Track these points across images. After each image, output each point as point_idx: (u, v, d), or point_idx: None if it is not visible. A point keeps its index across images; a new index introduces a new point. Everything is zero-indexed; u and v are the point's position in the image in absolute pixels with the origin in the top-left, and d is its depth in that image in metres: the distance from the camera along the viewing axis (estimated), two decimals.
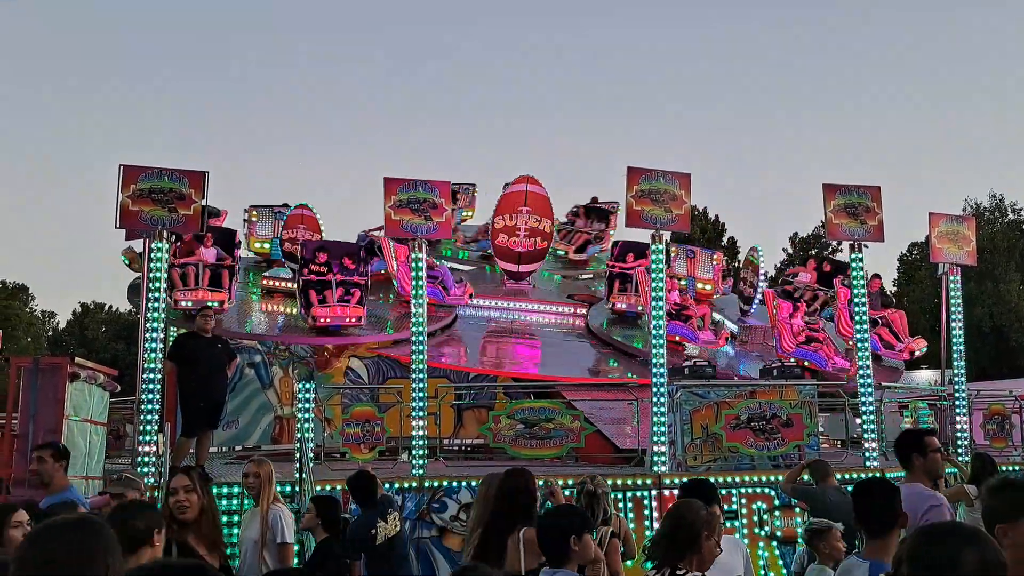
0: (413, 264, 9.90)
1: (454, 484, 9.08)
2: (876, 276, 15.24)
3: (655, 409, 9.58)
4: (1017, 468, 11.04)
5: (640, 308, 14.59)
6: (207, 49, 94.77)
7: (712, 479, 9.13)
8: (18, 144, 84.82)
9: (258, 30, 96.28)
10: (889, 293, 16.67)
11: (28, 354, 34.44)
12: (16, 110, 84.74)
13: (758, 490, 9.54)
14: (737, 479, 9.57)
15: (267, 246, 15.81)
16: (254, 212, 15.92)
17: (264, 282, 14.86)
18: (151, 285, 8.83)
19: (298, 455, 8.79)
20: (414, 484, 8.92)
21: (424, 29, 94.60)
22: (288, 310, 14.26)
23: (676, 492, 5.37)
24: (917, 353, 14.94)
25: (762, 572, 9.08)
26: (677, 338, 13.49)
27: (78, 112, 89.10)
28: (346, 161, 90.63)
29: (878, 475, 7.62)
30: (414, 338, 9.67)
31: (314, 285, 13.17)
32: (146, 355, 8.67)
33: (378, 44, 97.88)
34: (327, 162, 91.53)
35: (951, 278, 11.57)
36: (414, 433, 9.34)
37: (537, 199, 15.62)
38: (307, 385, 9.44)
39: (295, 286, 13.73)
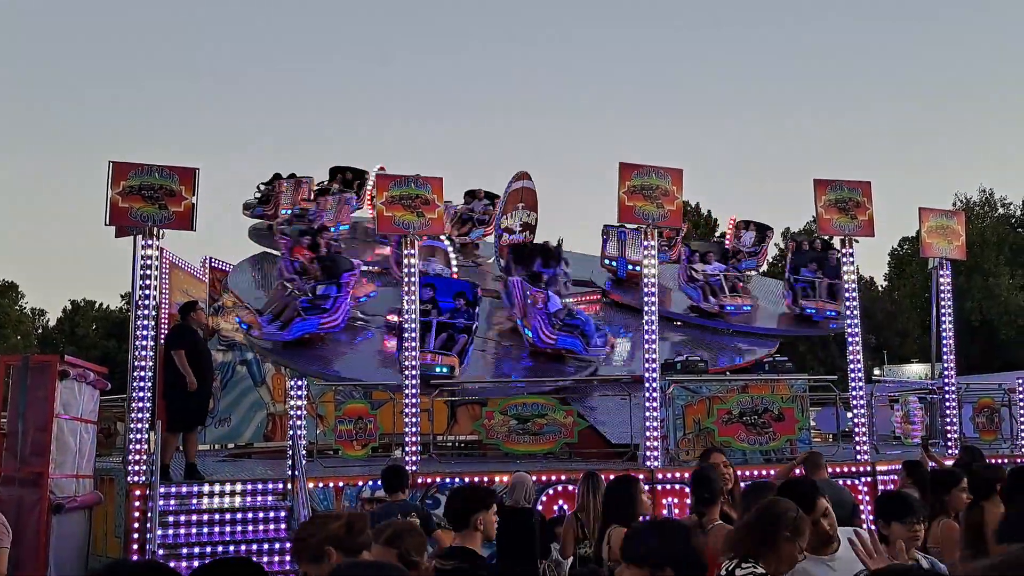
0: (405, 261, 9.88)
1: (447, 481, 9.08)
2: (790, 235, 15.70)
3: (647, 404, 9.60)
4: (1006, 461, 11.11)
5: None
6: (198, 46, 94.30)
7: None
8: (7, 141, 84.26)
9: (249, 26, 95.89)
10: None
11: (18, 352, 34.28)
12: (4, 107, 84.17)
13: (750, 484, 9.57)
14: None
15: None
16: None
17: None
18: (142, 282, 8.76)
19: (291, 452, 8.78)
20: None
21: (418, 26, 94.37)
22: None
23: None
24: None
25: None
26: None
27: (67, 108, 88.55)
28: (333, 156, 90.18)
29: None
30: (406, 335, 9.66)
31: None
32: (137, 353, 8.61)
33: (371, 41, 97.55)
34: (315, 157, 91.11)
35: (941, 272, 11.63)
36: (407, 430, 9.33)
37: (529, 193, 15.66)
38: (299, 382, 9.41)
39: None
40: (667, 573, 2.64)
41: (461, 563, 3.92)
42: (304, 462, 8.67)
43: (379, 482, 7.30)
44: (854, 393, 10.43)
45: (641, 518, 5.02)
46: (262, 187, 17.55)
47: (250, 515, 8.38)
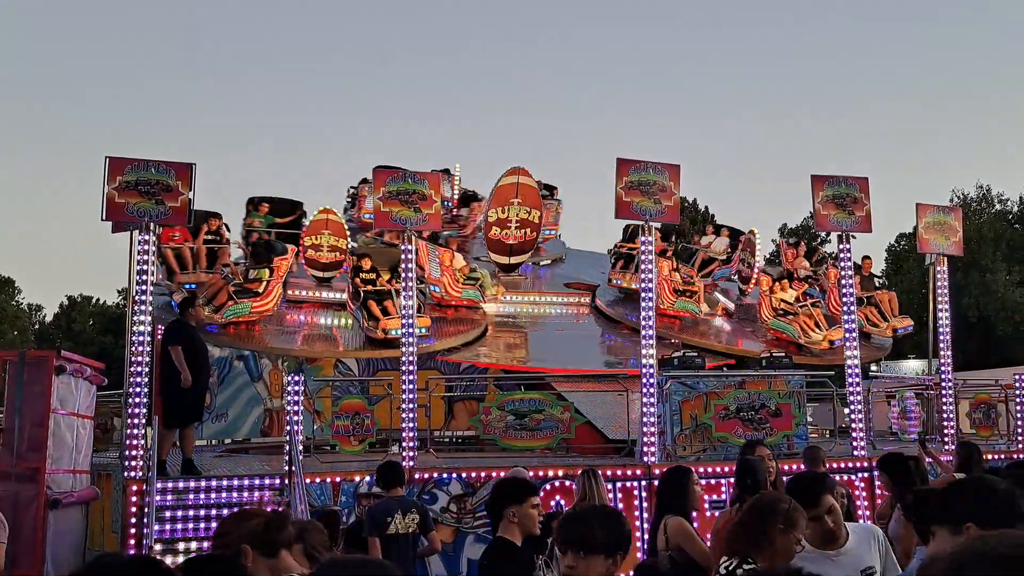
0: (403, 256, 9.86)
1: (444, 476, 9.08)
2: (867, 257, 15.26)
3: (644, 399, 9.60)
4: (1003, 457, 11.13)
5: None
6: (198, 46, 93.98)
7: (700, 469, 9.22)
8: (7, 141, 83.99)
9: (249, 26, 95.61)
10: (876, 274, 16.73)
11: (14, 347, 34.20)
12: (4, 107, 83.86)
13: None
14: (727, 469, 9.60)
15: None
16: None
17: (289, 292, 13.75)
18: (139, 277, 8.74)
19: (288, 448, 8.77)
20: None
21: (418, 26, 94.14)
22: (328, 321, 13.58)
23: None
24: (900, 331, 14.80)
25: None
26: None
27: (67, 108, 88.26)
28: (332, 156, 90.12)
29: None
30: (404, 329, 9.65)
31: (373, 295, 12.24)
32: (133, 348, 8.59)
33: (371, 41, 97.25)
34: (315, 157, 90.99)
35: (938, 268, 11.63)
36: (404, 425, 9.32)
37: (528, 190, 15.61)
38: (296, 378, 9.40)
39: (348, 297, 12.89)
40: (619, 557, 2.87)
41: (498, 554, 3.90)
42: (301, 458, 8.66)
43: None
44: (851, 389, 10.45)
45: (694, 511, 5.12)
46: (351, 190, 17.68)
47: None
